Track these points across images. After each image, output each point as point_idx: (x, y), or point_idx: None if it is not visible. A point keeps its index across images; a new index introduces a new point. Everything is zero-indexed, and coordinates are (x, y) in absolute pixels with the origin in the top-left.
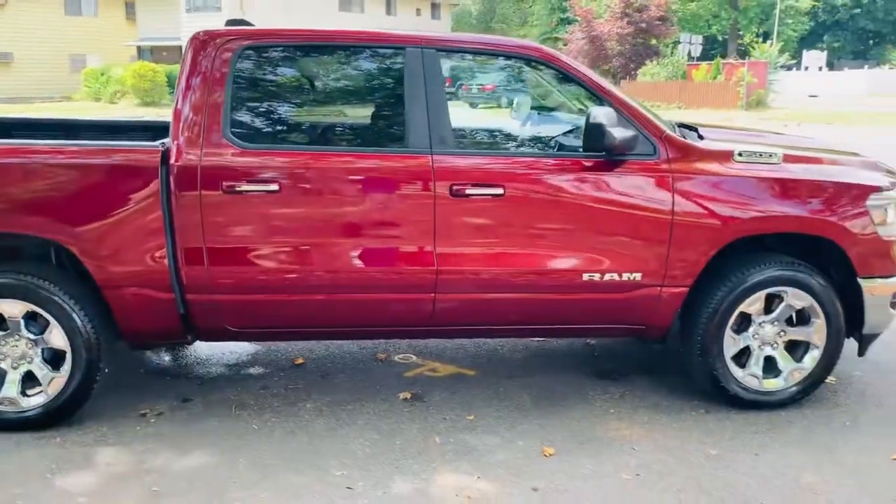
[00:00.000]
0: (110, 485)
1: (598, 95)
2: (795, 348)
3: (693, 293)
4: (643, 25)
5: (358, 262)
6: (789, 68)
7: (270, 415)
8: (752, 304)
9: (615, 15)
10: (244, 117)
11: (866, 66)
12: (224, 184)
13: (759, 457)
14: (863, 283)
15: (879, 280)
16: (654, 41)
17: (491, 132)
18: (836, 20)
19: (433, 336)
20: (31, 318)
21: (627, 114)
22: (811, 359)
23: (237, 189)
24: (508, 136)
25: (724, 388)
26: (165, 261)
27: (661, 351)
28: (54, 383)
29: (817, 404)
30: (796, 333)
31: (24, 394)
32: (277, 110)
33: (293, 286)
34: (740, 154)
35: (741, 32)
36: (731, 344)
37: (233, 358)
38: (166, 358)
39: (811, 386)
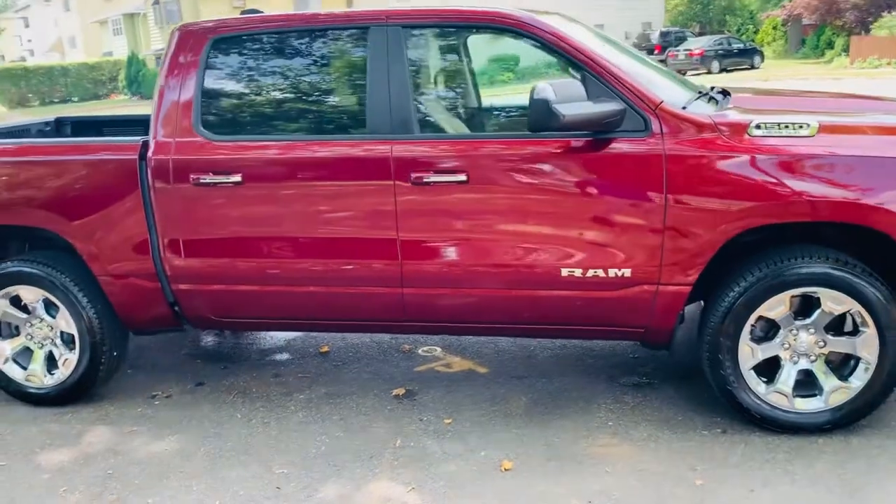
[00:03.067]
0: (76, 463)
1: (576, 63)
2: (843, 363)
3: (703, 294)
4: None
5: (325, 254)
6: None
7: (262, 403)
8: (775, 308)
9: None
10: (215, 110)
11: None
12: (192, 177)
13: (754, 493)
14: None
15: None
16: None
17: (466, 112)
18: None
19: (408, 332)
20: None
21: (612, 84)
22: (860, 376)
23: (203, 181)
24: (481, 115)
25: (741, 406)
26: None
27: None
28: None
29: (871, 432)
30: (839, 345)
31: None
32: (248, 101)
33: (259, 277)
34: (758, 126)
35: None
36: (749, 354)
37: (268, 343)
38: (204, 341)
39: (861, 409)
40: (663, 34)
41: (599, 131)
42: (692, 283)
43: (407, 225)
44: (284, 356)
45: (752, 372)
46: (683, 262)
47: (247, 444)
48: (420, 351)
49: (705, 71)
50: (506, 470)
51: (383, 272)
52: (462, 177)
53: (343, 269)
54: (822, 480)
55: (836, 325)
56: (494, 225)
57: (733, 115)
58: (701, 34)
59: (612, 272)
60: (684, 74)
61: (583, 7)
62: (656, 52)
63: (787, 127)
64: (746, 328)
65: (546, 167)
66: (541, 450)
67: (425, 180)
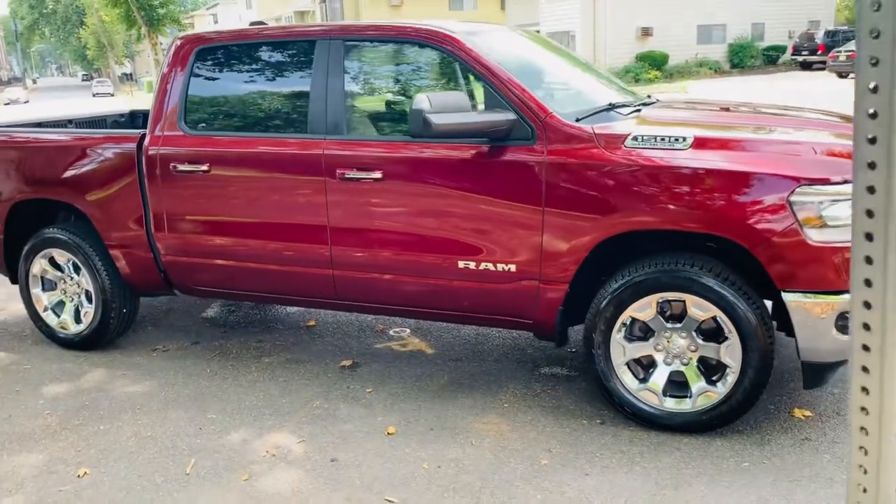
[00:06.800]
0: (68, 395)
1: (479, 76)
2: (713, 368)
3: (584, 292)
4: None
5: (272, 237)
6: None
7: (232, 363)
8: (643, 310)
9: None
10: (195, 108)
11: None
12: (172, 165)
13: (587, 477)
14: (789, 297)
15: (815, 296)
16: None
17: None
18: None
19: (338, 308)
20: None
21: (506, 96)
22: (726, 382)
23: (180, 169)
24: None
25: (614, 400)
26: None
27: None
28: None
29: (741, 438)
30: (707, 350)
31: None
32: (221, 101)
33: (224, 254)
34: (634, 138)
35: None
36: (620, 352)
37: (269, 315)
38: (221, 308)
39: (726, 415)
40: (829, 33)
41: (496, 139)
42: (568, 281)
43: (334, 214)
44: (276, 326)
45: (627, 368)
46: (559, 262)
47: (200, 393)
48: (391, 331)
49: None
50: (388, 434)
51: (317, 254)
52: (377, 174)
53: (288, 250)
54: (656, 473)
55: (715, 332)
56: (403, 218)
57: (618, 127)
58: None
59: (499, 267)
60: (845, 77)
61: (744, 2)
62: (819, 52)
63: (663, 140)
64: (617, 327)
65: (446, 170)
66: (430, 420)
67: (347, 176)
